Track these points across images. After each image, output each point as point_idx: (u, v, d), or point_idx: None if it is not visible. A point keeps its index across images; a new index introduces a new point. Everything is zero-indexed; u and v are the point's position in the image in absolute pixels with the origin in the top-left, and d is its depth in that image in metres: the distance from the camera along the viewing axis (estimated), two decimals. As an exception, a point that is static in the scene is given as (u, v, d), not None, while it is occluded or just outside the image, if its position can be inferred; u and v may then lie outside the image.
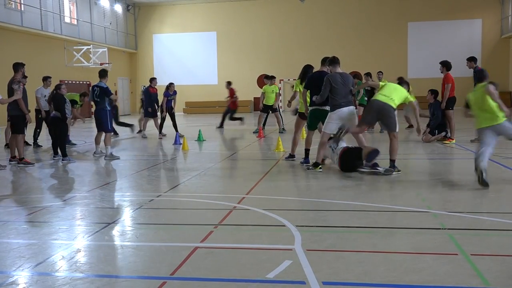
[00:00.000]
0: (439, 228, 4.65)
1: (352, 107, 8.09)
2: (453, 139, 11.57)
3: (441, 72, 11.67)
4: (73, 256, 4.14)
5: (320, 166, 8.07)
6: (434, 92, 12.05)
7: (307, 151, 8.77)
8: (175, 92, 14.85)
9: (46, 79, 12.74)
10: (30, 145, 12.82)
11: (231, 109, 16.92)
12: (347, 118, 8.02)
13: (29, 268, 3.82)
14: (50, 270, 3.83)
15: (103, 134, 10.58)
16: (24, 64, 9.88)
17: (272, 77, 15.96)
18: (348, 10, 31.98)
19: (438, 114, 11.68)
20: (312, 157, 8.50)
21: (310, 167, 8.16)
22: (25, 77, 10.02)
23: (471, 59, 11.61)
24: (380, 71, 15.59)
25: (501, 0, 30.57)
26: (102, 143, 10.71)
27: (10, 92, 9.48)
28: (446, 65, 11.57)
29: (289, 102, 10.64)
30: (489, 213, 5.25)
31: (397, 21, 31.59)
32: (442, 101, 11.57)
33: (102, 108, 10.36)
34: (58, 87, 10.26)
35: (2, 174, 8.85)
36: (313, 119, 8.67)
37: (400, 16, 31.53)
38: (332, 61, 8.16)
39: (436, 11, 31.04)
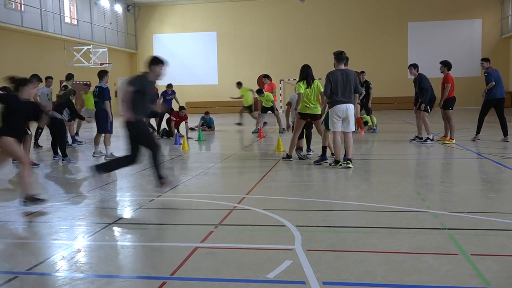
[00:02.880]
0: (439, 228, 4.65)
1: (350, 105, 8.13)
2: (453, 139, 11.58)
3: (441, 72, 11.68)
4: (73, 256, 4.14)
5: (340, 163, 8.25)
6: (416, 66, 11.96)
7: (324, 148, 8.84)
8: (173, 92, 14.98)
9: (47, 79, 12.80)
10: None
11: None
12: (344, 115, 8.10)
13: (30, 268, 3.82)
14: (50, 270, 3.83)
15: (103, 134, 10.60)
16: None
17: (260, 91, 15.85)
18: (348, 10, 31.99)
19: (426, 86, 11.58)
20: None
21: (332, 164, 8.37)
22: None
23: (486, 60, 11.84)
24: (362, 71, 15.47)
25: (501, 0, 30.58)
26: (101, 143, 10.71)
27: None
28: (447, 65, 11.60)
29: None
30: (489, 213, 5.25)
31: (397, 21, 31.60)
32: (441, 101, 11.60)
33: (102, 109, 10.36)
34: (71, 93, 10.55)
35: (1, 175, 8.85)
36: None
37: (400, 16, 31.53)
38: (336, 56, 8.19)
39: (436, 11, 31.05)
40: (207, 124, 17.12)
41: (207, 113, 17.32)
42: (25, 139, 9.56)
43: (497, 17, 30.89)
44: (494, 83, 11.38)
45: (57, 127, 10.10)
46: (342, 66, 8.16)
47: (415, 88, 11.91)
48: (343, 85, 8.01)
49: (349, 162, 8.29)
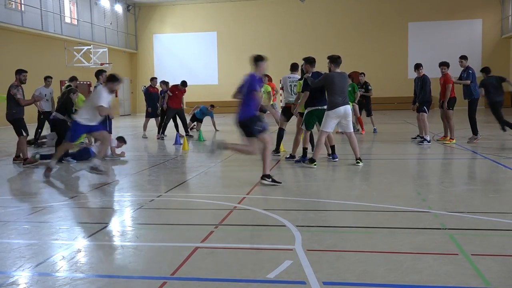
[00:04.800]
0: (440, 228, 4.64)
1: (348, 106, 8.43)
2: (453, 139, 11.59)
3: (442, 73, 11.70)
4: (73, 256, 4.14)
5: (315, 163, 8.36)
6: (422, 67, 12.03)
7: (305, 149, 9.01)
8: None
9: (46, 78, 12.81)
10: (33, 144, 12.83)
11: None
12: (343, 116, 8.36)
13: (30, 268, 3.82)
14: (50, 270, 3.83)
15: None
16: (25, 72, 9.77)
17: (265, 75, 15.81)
18: (349, 10, 31.99)
19: (428, 88, 11.69)
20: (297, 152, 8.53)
21: (306, 162, 8.53)
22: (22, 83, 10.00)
23: (465, 58, 11.82)
24: (362, 72, 15.56)
25: (502, 0, 30.57)
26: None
27: (9, 96, 9.53)
28: (449, 66, 11.73)
29: (293, 104, 10.71)
30: (489, 213, 5.24)
31: (397, 21, 31.59)
32: (444, 101, 11.62)
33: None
34: (72, 91, 10.48)
35: (2, 174, 8.85)
36: (313, 118, 8.88)
37: (400, 16, 31.53)
38: (334, 60, 8.44)
39: (437, 11, 31.05)
40: (199, 117, 16.98)
41: (212, 106, 17.40)
42: (20, 140, 9.56)
43: (498, 17, 30.88)
44: (471, 81, 11.44)
45: (61, 127, 10.07)
46: (338, 70, 8.44)
47: (415, 88, 12.02)
48: (341, 87, 8.32)
49: (359, 161, 8.49)
